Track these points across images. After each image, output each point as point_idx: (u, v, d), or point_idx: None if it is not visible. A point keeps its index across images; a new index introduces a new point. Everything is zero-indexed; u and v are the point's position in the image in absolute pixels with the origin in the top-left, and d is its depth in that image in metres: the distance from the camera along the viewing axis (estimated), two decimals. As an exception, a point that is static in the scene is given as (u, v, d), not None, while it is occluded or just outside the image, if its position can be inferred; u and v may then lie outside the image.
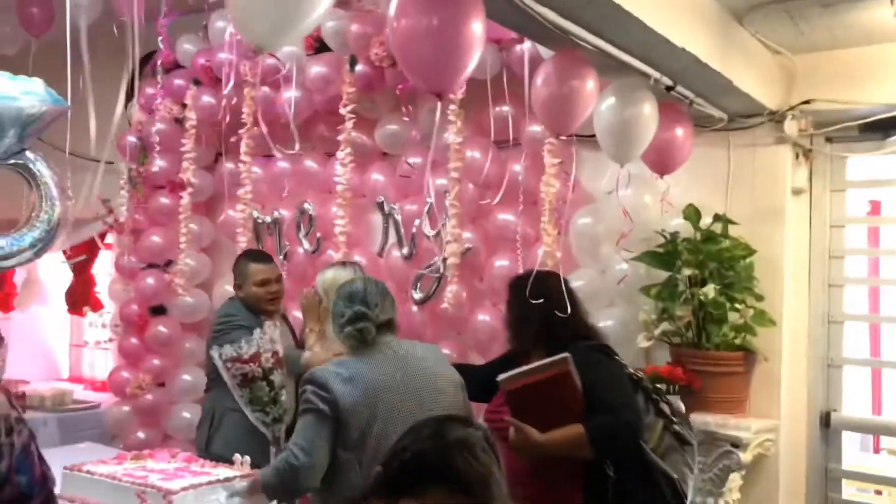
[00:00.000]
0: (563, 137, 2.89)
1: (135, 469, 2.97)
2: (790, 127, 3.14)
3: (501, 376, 2.42)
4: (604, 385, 2.38)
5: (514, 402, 2.39)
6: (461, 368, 2.86)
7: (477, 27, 1.76)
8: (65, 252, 5.51)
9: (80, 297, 5.33)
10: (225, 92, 3.45)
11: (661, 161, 3.05)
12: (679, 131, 2.98)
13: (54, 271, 5.73)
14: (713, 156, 3.32)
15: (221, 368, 2.69)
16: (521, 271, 3.54)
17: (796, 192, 3.29)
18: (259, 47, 1.46)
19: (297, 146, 3.79)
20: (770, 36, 3.00)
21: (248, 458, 2.91)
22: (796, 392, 3.29)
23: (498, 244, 3.75)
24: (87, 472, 2.91)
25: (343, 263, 3.43)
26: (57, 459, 3.33)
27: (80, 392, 5.31)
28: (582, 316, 2.61)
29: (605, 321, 3.37)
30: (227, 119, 4.09)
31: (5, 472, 1.28)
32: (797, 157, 3.29)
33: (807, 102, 3.12)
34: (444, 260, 3.57)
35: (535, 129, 3.47)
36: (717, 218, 3.12)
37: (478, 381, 2.64)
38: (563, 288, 2.53)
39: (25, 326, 6.02)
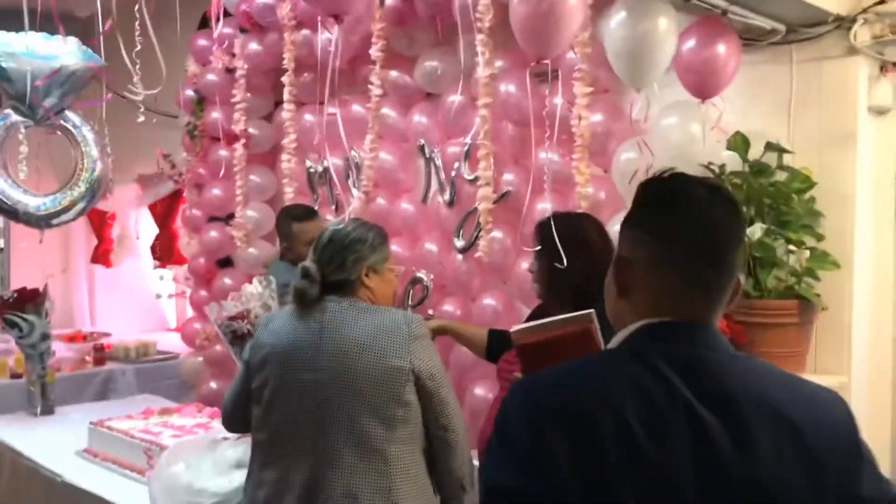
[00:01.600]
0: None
1: (155, 425, 2.99)
2: (861, 34, 2.64)
3: (514, 328, 2.18)
4: None
5: (527, 358, 2.12)
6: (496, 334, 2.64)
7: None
8: (150, 207, 5.67)
9: (164, 251, 5.46)
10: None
11: (701, 83, 2.66)
12: (721, 48, 2.58)
13: (146, 226, 5.93)
14: (774, 74, 2.86)
15: (215, 327, 2.60)
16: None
17: (878, 111, 2.79)
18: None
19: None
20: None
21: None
22: (878, 347, 2.84)
23: (542, 186, 3.45)
24: (107, 427, 2.95)
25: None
26: (113, 410, 3.46)
27: (171, 341, 5.47)
28: None
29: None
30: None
31: None
32: (882, 69, 2.79)
33: (882, 2, 2.61)
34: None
35: (572, 55, 3.12)
36: (769, 147, 2.69)
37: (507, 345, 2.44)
38: (605, 236, 2.18)
39: (130, 279, 6.30)
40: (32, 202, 3.56)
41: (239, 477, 2.26)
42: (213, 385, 4.69)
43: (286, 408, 1.98)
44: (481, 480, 1.12)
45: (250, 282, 3.97)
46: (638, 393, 1.05)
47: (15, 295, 3.40)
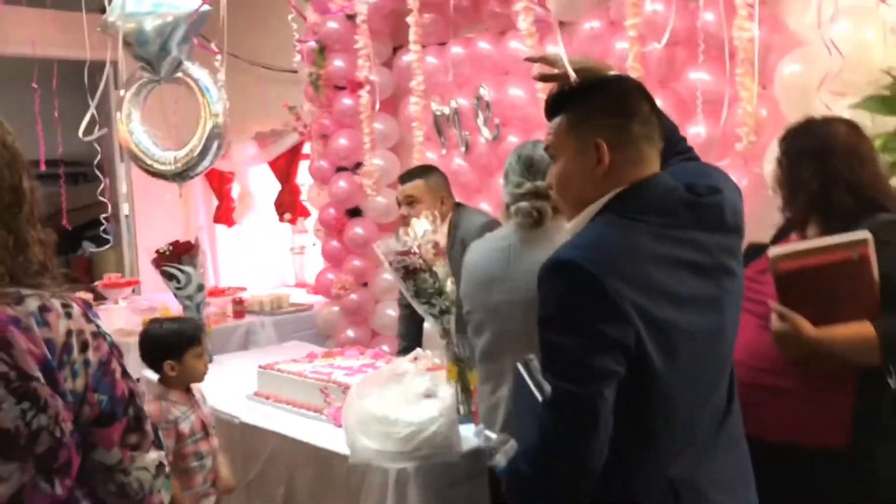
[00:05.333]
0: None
1: (323, 367, 3.02)
2: None
3: (774, 251, 1.88)
4: None
5: (787, 285, 1.85)
6: None
7: None
8: (270, 164, 5.74)
9: (287, 206, 5.54)
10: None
11: (885, -20, 2.48)
12: (907, -62, 2.39)
13: (268, 183, 6.00)
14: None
15: (385, 264, 2.59)
16: (718, 134, 3.13)
17: None
18: None
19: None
20: None
21: (429, 352, 2.84)
22: None
23: (692, 109, 3.31)
24: (278, 370, 2.99)
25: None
26: (265, 357, 3.52)
27: (299, 296, 5.57)
28: (874, 178, 1.93)
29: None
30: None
31: (81, 391, 1.19)
32: None
33: None
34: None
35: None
36: (963, 45, 2.50)
37: None
38: (850, 141, 1.94)
39: (252, 237, 6.43)
40: (166, 157, 3.63)
41: (428, 406, 2.26)
42: (349, 333, 4.76)
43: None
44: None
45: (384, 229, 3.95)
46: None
47: (171, 248, 3.48)
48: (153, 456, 1.26)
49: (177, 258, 3.46)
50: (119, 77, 6.20)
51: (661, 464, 1.37)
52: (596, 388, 1.29)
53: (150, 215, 6.63)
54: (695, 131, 3.22)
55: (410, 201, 3.14)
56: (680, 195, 1.44)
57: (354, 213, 4.76)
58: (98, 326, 1.22)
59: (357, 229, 4.68)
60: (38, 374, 1.13)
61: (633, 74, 3.16)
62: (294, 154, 5.52)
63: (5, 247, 1.17)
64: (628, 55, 3.18)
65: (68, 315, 1.18)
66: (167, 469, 1.29)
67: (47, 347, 1.15)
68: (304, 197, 5.49)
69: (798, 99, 2.96)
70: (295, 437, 2.62)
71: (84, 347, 1.18)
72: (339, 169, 4.70)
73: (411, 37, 4.01)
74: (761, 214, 3.20)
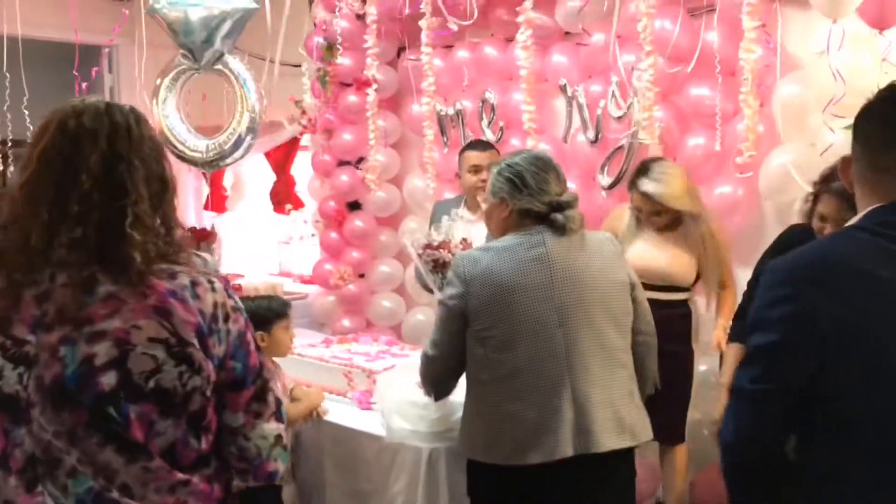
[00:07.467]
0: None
1: (341, 352, 3.18)
2: None
3: None
4: None
5: None
6: None
7: None
8: (267, 154, 5.85)
9: (283, 196, 5.65)
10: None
11: (881, 13, 2.71)
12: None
13: (260, 173, 6.10)
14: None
15: (414, 256, 2.76)
16: (717, 148, 3.35)
17: None
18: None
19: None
20: None
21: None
22: None
23: (692, 121, 3.53)
24: (299, 354, 3.14)
25: None
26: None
27: (289, 285, 5.69)
28: None
29: (813, 198, 3.12)
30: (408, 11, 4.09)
31: (221, 356, 1.33)
32: None
33: None
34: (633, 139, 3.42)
35: (730, -11, 3.18)
36: (950, 75, 2.74)
37: None
38: None
39: (240, 226, 6.51)
40: (199, 144, 3.73)
41: (458, 391, 2.41)
42: (345, 322, 4.90)
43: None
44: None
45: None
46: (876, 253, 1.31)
47: (190, 234, 3.59)
48: (273, 426, 1.40)
49: (195, 244, 3.58)
50: (113, 62, 6.28)
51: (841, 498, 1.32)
52: (770, 386, 1.33)
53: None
54: (694, 142, 3.45)
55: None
56: None
57: (353, 206, 4.90)
58: (236, 301, 1.37)
59: (357, 222, 4.83)
60: (194, 340, 1.29)
61: (645, 87, 3.35)
62: (292, 145, 5.63)
63: (156, 230, 1.32)
64: (643, 71, 3.35)
65: (214, 289, 1.33)
66: (285, 441, 1.43)
67: (200, 316, 1.30)
68: (298, 188, 5.61)
69: (794, 117, 3.20)
70: (323, 419, 2.77)
71: (226, 318, 1.34)
72: (342, 163, 4.83)
73: (423, 38, 4.15)
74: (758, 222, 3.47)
